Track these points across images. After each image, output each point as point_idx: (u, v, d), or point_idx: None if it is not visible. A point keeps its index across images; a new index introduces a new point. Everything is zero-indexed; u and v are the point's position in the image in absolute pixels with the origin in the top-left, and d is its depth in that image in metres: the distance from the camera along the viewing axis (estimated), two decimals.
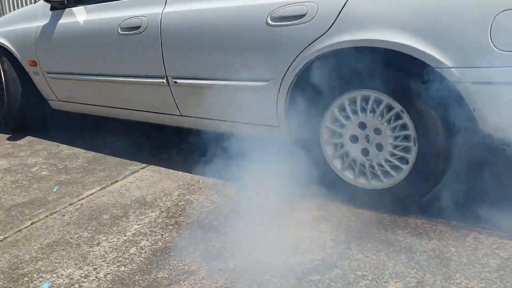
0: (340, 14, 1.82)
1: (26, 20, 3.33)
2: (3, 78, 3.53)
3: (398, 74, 1.80)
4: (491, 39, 1.55)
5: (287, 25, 1.96)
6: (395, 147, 1.88)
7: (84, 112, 3.33)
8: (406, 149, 1.85)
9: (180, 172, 2.69)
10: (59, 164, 3.03)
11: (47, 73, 3.28)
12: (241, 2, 2.11)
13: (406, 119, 1.81)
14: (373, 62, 1.81)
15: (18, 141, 3.59)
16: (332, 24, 1.85)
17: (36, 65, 3.32)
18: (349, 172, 2.03)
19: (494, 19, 1.54)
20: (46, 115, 3.67)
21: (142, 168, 2.83)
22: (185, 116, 2.58)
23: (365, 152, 1.97)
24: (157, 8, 2.46)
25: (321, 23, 1.87)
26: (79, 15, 2.93)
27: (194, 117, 2.54)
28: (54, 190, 2.62)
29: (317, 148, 2.08)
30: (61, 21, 3.03)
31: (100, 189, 2.57)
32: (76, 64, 3.03)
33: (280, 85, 2.05)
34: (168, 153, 3.02)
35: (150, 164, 2.86)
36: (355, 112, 1.94)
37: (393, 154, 1.89)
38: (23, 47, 3.35)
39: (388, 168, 1.91)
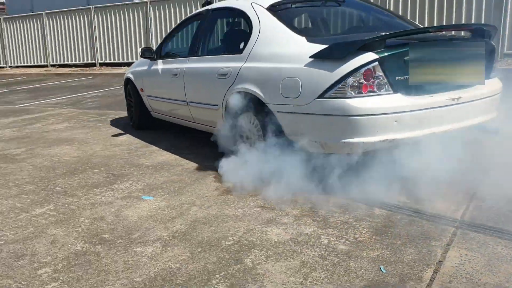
0: (237, 75, 3.89)
1: (140, 66, 5.84)
2: (132, 97, 6.09)
3: (250, 103, 3.77)
4: (280, 91, 3.42)
5: (222, 78, 4.08)
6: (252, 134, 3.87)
7: (166, 120, 5.58)
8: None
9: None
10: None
11: (147, 95, 5.67)
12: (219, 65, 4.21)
13: (258, 124, 3.75)
14: (248, 100, 3.77)
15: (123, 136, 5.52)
16: (235, 79, 3.91)
17: (143, 91, 5.74)
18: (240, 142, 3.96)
19: (282, 81, 3.42)
20: (152, 120, 5.94)
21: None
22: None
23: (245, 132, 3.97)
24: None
25: (232, 79, 3.95)
26: (159, 65, 5.32)
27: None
28: None
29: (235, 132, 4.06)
30: (152, 67, 5.45)
31: None
32: (157, 91, 5.43)
33: (222, 105, 4.11)
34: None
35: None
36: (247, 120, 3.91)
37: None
38: (137, 80, 5.85)
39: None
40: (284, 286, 2.22)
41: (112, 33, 15.99)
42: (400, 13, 10.66)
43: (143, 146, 5.17)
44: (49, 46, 17.54)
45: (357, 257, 2.45)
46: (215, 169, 3.98)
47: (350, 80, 3.04)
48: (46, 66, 17.68)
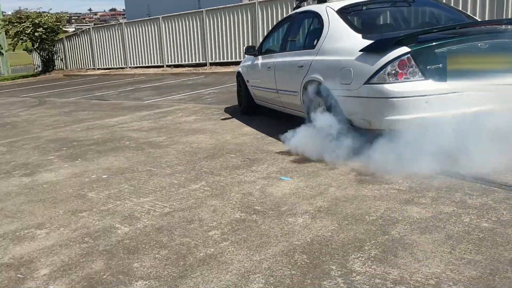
0: (310, 67, 4.74)
1: (247, 61, 7.08)
2: (241, 87, 7.34)
3: (319, 89, 4.55)
4: (339, 79, 4.19)
5: (300, 70, 4.94)
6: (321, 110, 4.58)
7: (265, 106, 6.64)
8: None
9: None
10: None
11: (251, 86, 6.85)
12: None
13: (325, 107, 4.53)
14: (317, 87, 4.62)
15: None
16: (308, 70, 4.76)
17: (248, 82, 6.94)
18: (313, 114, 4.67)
19: (340, 71, 4.21)
20: (256, 106, 7.05)
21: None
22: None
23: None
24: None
25: (306, 70, 4.80)
26: (259, 60, 6.44)
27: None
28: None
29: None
30: (254, 62, 6.64)
31: None
32: (258, 81, 6.55)
33: (300, 92, 4.99)
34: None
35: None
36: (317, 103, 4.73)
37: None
38: (244, 73, 7.08)
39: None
40: (434, 254, 2.43)
41: (222, 34, 16.89)
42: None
43: (267, 136, 5.58)
44: (165, 47, 18.94)
45: (502, 234, 2.58)
46: (341, 156, 4.24)
47: (388, 69, 3.78)
48: (162, 66, 19.13)
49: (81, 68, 22.32)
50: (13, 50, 21.98)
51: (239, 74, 7.36)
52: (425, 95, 3.72)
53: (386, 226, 2.82)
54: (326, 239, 2.72)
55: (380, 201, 3.24)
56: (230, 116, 7.21)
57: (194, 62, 18.06)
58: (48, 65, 22.15)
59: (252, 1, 15.95)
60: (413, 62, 3.76)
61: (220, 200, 3.53)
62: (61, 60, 22.45)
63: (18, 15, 20.87)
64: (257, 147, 5.07)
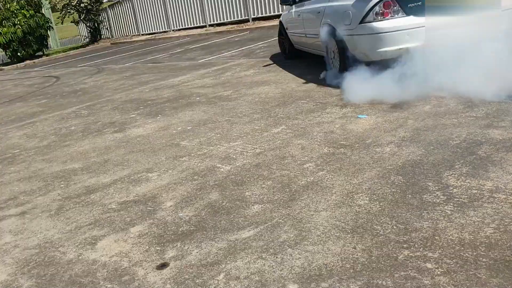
0: (324, 12, 5.75)
1: (286, 11, 7.86)
2: (283, 35, 8.06)
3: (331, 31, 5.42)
4: (343, 21, 5.09)
5: (318, 15, 5.94)
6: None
7: (302, 50, 7.33)
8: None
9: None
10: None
11: (289, 32, 7.55)
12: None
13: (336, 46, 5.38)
14: (329, 29, 5.57)
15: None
16: (323, 15, 5.73)
17: (288, 29, 7.62)
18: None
19: (343, 14, 5.17)
20: (296, 51, 7.69)
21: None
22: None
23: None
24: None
25: (321, 15, 5.75)
26: (293, 9, 7.14)
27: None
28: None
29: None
30: (290, 11, 7.35)
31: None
32: (293, 29, 7.31)
33: (320, 35, 5.78)
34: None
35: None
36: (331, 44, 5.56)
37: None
38: (284, 21, 7.81)
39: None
40: None
41: None
42: None
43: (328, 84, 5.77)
44: (206, 7, 19.04)
45: None
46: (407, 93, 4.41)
47: (376, 9, 4.66)
48: (205, 26, 19.30)
49: (126, 35, 22.84)
50: (61, 23, 22.70)
51: (280, 23, 8.18)
52: (406, 29, 4.56)
53: (472, 148, 3.04)
54: (417, 162, 2.98)
55: (460, 127, 3.44)
56: (288, 67, 7.41)
57: (236, 19, 18.11)
58: (95, 35, 22.80)
59: None
60: (396, 2, 4.61)
61: (305, 139, 3.83)
62: (107, 29, 23.01)
63: None
64: (325, 92, 5.29)
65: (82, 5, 21.21)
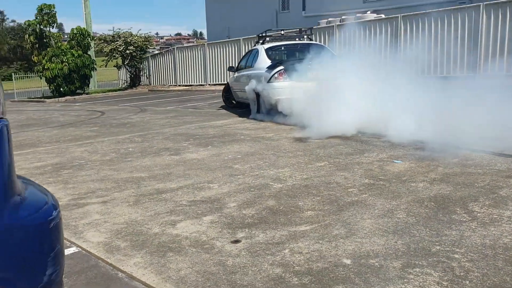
0: (250, 75, 9.73)
1: (231, 76, 11.91)
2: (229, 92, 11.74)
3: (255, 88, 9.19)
4: (259, 81, 9.00)
5: (248, 77, 9.88)
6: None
7: (240, 101, 10.80)
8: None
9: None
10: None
11: (233, 90, 11.15)
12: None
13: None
14: (254, 87, 9.47)
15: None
16: (250, 77, 9.62)
17: (232, 88, 11.19)
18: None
19: (260, 77, 9.02)
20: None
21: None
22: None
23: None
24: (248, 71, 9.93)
25: (250, 77, 9.66)
26: (236, 74, 10.92)
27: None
28: None
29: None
30: (234, 75, 11.23)
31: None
32: (237, 86, 10.66)
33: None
34: None
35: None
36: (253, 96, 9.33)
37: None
38: (231, 83, 11.48)
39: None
40: None
41: None
42: None
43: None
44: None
45: None
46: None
47: (276, 75, 8.29)
48: None
49: (164, 84, 24.16)
50: (106, 66, 24.23)
51: (227, 84, 11.92)
52: (288, 87, 8.02)
53: (494, 189, 3.58)
54: (446, 195, 3.52)
55: (485, 175, 3.99)
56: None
57: None
58: (134, 80, 24.18)
59: (331, 25, 16.95)
60: (284, 73, 8.27)
61: (347, 172, 4.41)
62: (147, 76, 24.44)
63: (112, 34, 23.08)
64: (366, 141, 5.91)
65: (127, 51, 22.75)
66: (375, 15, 15.65)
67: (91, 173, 5.09)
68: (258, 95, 8.78)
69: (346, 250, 2.66)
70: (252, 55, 10.19)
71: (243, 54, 11.35)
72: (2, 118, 1.27)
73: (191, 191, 4.07)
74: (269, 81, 8.28)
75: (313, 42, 11.21)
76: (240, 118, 9.09)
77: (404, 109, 5.95)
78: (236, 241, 2.88)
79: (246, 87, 9.28)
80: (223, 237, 2.96)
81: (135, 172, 4.98)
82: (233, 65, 13.40)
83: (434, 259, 2.47)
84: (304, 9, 21.03)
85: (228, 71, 11.16)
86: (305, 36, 10.93)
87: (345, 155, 5.17)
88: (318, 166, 4.72)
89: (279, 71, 8.27)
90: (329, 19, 17.43)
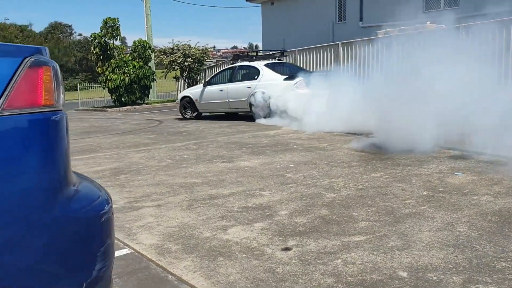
0: (256, 86, 11.20)
1: (194, 89, 13.39)
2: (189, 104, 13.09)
3: (263, 95, 11.18)
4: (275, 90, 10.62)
5: (248, 88, 11.44)
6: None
7: (208, 113, 13.02)
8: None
9: None
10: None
11: (200, 102, 12.69)
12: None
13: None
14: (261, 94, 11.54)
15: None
16: (255, 87, 11.23)
17: (198, 100, 12.70)
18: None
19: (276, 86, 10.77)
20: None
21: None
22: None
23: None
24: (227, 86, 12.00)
25: (254, 88, 11.24)
26: (208, 88, 12.54)
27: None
28: None
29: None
30: (204, 88, 12.66)
31: None
32: (206, 98, 12.50)
33: (247, 98, 11.30)
34: None
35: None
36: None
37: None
38: (194, 95, 12.84)
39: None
40: None
41: (356, 66, 17.68)
42: None
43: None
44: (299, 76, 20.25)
45: None
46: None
47: (297, 84, 10.23)
48: None
49: None
50: (165, 77, 25.00)
51: (184, 97, 13.21)
52: (307, 94, 9.44)
53: None
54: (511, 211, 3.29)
55: None
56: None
57: None
58: None
59: (388, 35, 16.60)
60: (304, 83, 9.98)
61: (404, 184, 4.24)
62: None
63: (172, 47, 23.80)
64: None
65: (186, 63, 23.37)
66: (435, 25, 15.18)
67: (147, 177, 5.20)
68: (265, 102, 10.61)
69: (402, 262, 2.53)
70: (245, 70, 11.96)
71: (217, 72, 13.52)
72: (61, 110, 1.30)
73: (242, 198, 4.05)
74: (291, 88, 10.09)
75: (286, 62, 13.78)
76: (293, 129, 9.02)
77: (480, 120, 5.60)
78: (287, 249, 2.83)
79: (253, 97, 10.94)
80: (274, 244, 2.91)
81: (189, 177, 5.05)
82: (206, 81, 13.91)
83: (500, 276, 2.29)
84: (361, 19, 20.75)
85: (204, 86, 12.79)
86: (276, 57, 12.98)
87: (403, 166, 4.98)
88: (374, 177, 4.58)
89: (299, 80, 10.10)
90: (387, 29, 17.12)
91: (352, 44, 17.85)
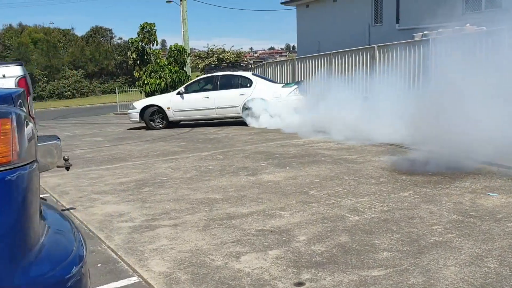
0: (251, 93, 12.21)
1: (162, 98, 13.40)
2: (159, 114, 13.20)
3: (260, 101, 12.43)
4: (273, 95, 12.03)
5: (242, 95, 12.40)
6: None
7: (184, 121, 13.43)
8: None
9: None
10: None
11: (173, 110, 12.96)
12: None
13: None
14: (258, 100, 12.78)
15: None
16: (250, 95, 12.20)
17: (170, 108, 12.92)
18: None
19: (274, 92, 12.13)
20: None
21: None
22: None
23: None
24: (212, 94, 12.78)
25: (248, 95, 12.29)
26: (186, 96, 12.84)
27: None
28: None
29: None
30: (180, 97, 12.91)
31: None
32: (183, 106, 12.82)
33: (241, 105, 12.31)
34: None
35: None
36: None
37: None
38: (165, 104, 13.05)
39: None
40: None
41: (391, 69, 17.21)
42: None
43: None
44: (333, 79, 19.92)
45: None
46: None
47: (295, 91, 11.93)
48: None
49: None
50: None
51: (149, 107, 13.06)
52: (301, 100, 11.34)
53: None
54: None
55: None
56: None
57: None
58: None
59: (424, 38, 16.07)
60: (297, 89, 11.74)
61: (433, 205, 3.98)
62: None
63: (207, 51, 23.98)
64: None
65: (220, 67, 23.56)
66: (475, 27, 14.56)
67: (169, 191, 5.14)
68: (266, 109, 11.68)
69: None
70: (232, 79, 12.71)
71: (194, 80, 13.93)
72: (23, 165, 1.20)
73: (261, 219, 3.92)
74: (288, 95, 11.67)
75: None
76: (323, 137, 8.79)
77: None
78: (300, 284, 2.67)
79: (251, 103, 11.89)
80: (287, 277, 2.76)
81: (210, 192, 4.95)
82: (180, 91, 14.10)
83: None
84: (398, 22, 20.22)
85: (178, 94, 13.01)
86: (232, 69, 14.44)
87: (433, 184, 4.71)
88: (401, 197, 4.34)
89: (295, 88, 11.84)
90: (425, 32, 16.59)
91: (389, 47, 17.40)
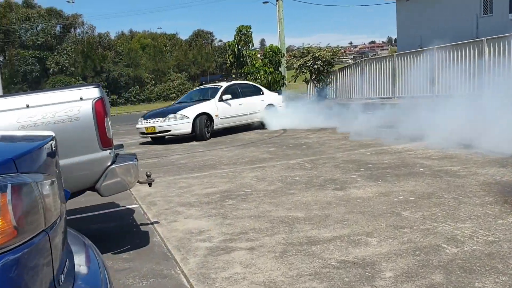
0: (268, 99, 14.61)
1: (207, 105, 12.81)
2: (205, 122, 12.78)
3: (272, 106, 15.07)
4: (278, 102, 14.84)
5: (262, 101, 14.53)
6: None
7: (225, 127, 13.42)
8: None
9: None
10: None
11: (220, 118, 12.85)
12: None
13: None
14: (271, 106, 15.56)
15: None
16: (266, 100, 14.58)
17: (217, 116, 12.76)
18: None
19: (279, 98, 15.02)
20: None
21: None
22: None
23: None
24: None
25: (267, 101, 14.75)
26: (231, 103, 13.18)
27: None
28: None
29: None
30: (224, 104, 13.08)
31: None
32: (226, 113, 13.06)
33: (262, 110, 14.38)
34: None
35: None
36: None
37: None
38: (213, 111, 12.76)
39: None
40: None
41: (503, 63, 15.58)
42: None
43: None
44: (436, 77, 18.57)
45: None
46: None
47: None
48: (431, 96, 18.76)
49: (349, 98, 23.75)
50: (295, 81, 25.00)
51: (202, 114, 12.36)
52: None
53: None
54: None
55: None
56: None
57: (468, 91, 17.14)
58: (321, 94, 24.38)
59: None
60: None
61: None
62: (333, 90, 24.40)
63: (302, 50, 23.68)
64: None
65: (315, 66, 23.05)
66: None
67: (251, 206, 4.98)
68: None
69: None
70: (245, 88, 14.04)
71: (226, 87, 13.56)
72: (24, 242, 1.04)
73: (344, 246, 3.57)
74: (281, 101, 14.64)
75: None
76: (421, 143, 8.09)
77: None
78: None
79: (270, 107, 13.94)
80: None
81: (293, 210, 4.69)
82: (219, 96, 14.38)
83: None
84: (511, 11, 18.25)
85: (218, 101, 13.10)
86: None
87: None
88: (511, 223, 3.73)
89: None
90: None
91: (501, 40, 15.76)
